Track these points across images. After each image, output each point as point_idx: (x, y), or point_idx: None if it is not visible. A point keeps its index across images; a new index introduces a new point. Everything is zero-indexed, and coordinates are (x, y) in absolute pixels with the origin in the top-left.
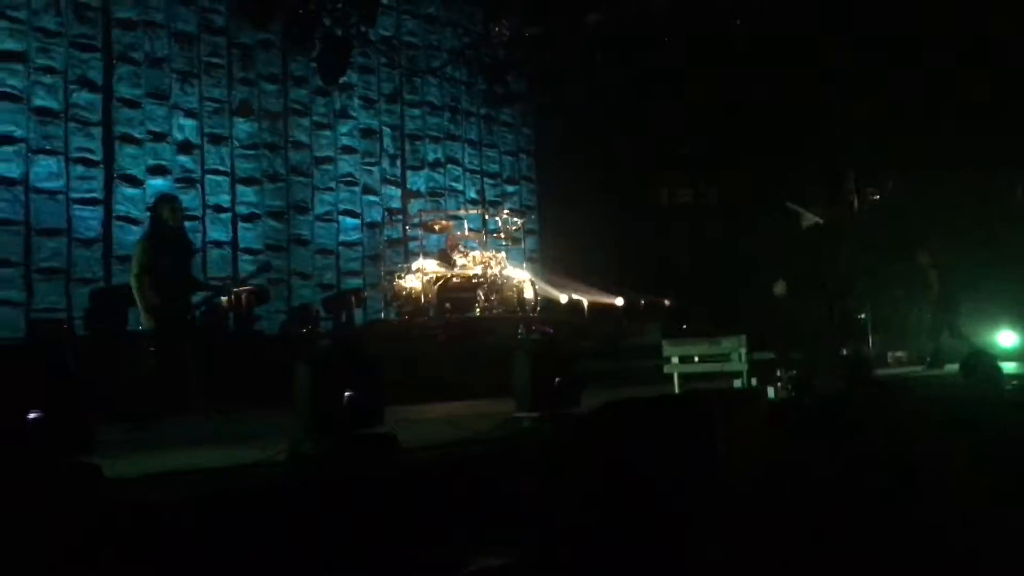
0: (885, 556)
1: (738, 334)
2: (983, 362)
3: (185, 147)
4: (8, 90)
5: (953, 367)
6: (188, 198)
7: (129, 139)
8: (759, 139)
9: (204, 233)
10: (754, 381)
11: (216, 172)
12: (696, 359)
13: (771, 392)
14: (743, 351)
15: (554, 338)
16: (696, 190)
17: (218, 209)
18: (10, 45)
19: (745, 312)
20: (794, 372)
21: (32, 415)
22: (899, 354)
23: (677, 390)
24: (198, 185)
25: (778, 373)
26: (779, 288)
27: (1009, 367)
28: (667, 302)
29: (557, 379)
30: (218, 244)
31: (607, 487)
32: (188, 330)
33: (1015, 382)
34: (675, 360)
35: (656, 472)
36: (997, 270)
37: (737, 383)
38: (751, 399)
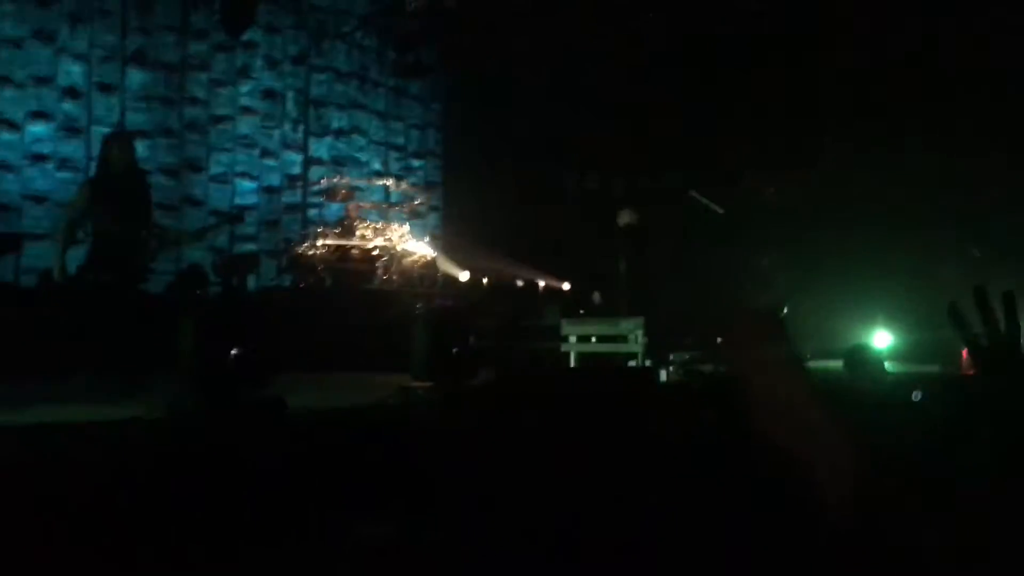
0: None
1: (635, 317)
2: (865, 356)
3: (71, 93)
4: None
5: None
6: (71, 148)
7: (7, 81)
8: (666, 129)
9: None
10: (648, 363)
11: (104, 123)
12: (593, 339)
13: (663, 374)
14: (639, 333)
15: (453, 310)
16: (604, 177)
17: None
18: None
19: (644, 298)
20: (686, 356)
21: None
22: None
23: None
24: (83, 134)
25: (671, 356)
26: (625, 217)
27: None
28: (566, 286)
29: (455, 350)
30: None
31: (495, 459)
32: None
33: (894, 376)
34: (572, 339)
35: (547, 444)
36: (875, 272)
37: (632, 364)
38: (642, 378)
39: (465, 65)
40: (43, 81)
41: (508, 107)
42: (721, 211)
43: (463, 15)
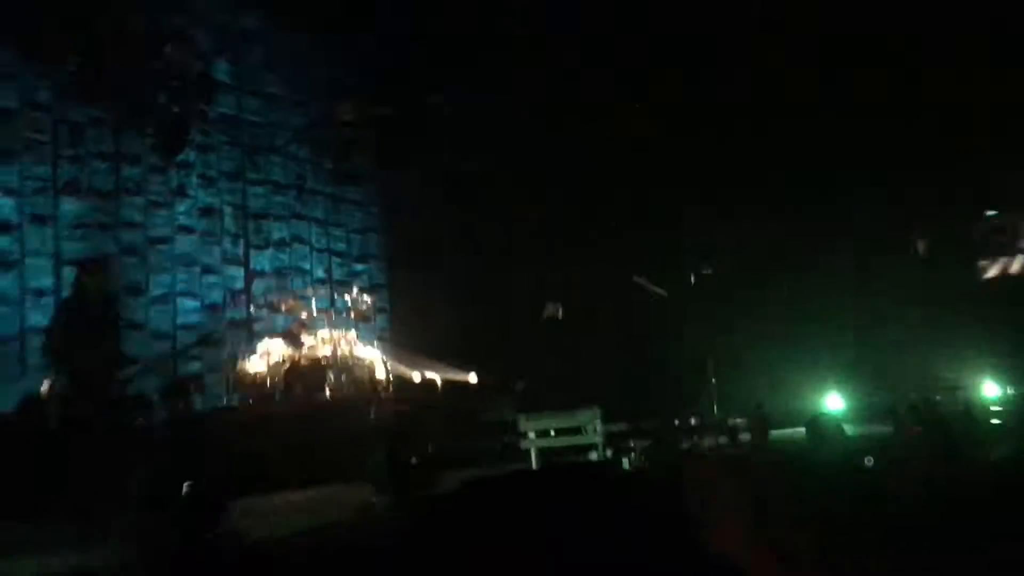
0: None
1: (592, 407)
2: (824, 424)
3: (3, 227)
4: None
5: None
6: (6, 282)
7: None
8: (600, 217)
9: (23, 319)
10: (609, 453)
11: (38, 253)
12: (552, 432)
13: (625, 463)
14: (598, 423)
15: (408, 417)
16: (542, 269)
17: (40, 293)
18: None
19: (596, 386)
20: (647, 443)
21: None
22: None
23: (534, 465)
24: (16, 268)
25: (631, 444)
26: (550, 310)
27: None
28: (519, 383)
29: (414, 459)
30: (39, 330)
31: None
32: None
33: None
34: (531, 435)
35: (518, 551)
36: (822, 339)
37: (593, 455)
38: (606, 471)
39: (399, 167)
40: None
41: (446, 204)
42: (664, 294)
43: (394, 120)
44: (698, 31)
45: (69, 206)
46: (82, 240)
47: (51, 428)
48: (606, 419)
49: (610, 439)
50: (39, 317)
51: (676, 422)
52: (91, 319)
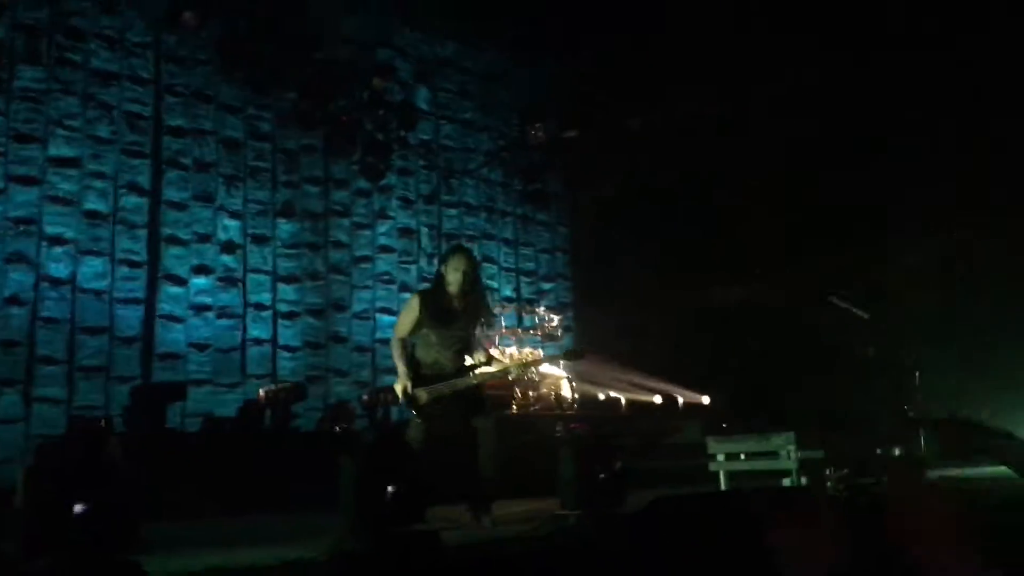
0: None
1: (786, 431)
2: None
3: (228, 247)
4: (61, 194)
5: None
6: (229, 296)
7: (175, 240)
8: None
9: (244, 331)
10: (803, 480)
11: (258, 271)
12: (743, 456)
13: (821, 492)
14: (792, 448)
15: (597, 433)
16: (736, 289)
17: (259, 307)
18: (65, 151)
19: (790, 409)
20: (845, 471)
21: (78, 508)
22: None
23: (723, 488)
24: (240, 284)
25: (828, 472)
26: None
27: None
28: (706, 400)
29: (601, 475)
30: (258, 341)
31: None
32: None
33: None
34: (720, 457)
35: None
36: None
37: (786, 481)
38: (801, 498)
39: (588, 188)
40: (204, 238)
41: (634, 224)
42: (866, 316)
43: (583, 142)
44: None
45: (285, 227)
46: (296, 258)
47: (266, 430)
48: (800, 444)
49: (804, 465)
50: (258, 330)
51: (878, 451)
52: (449, 309)
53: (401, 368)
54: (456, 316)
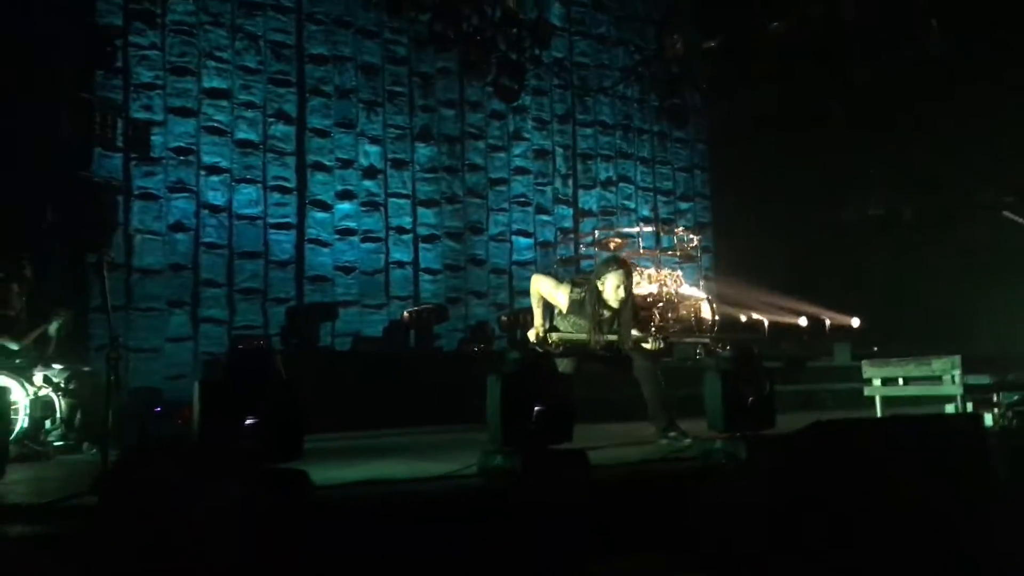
0: None
1: (951, 355)
2: None
3: (370, 172)
4: (215, 124)
5: None
6: (372, 220)
7: (320, 167)
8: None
9: (387, 254)
10: (970, 406)
11: (398, 195)
12: (901, 381)
13: (989, 419)
14: (956, 373)
15: (744, 355)
16: (887, 203)
17: (400, 231)
18: (216, 83)
19: (948, 328)
20: (1016, 397)
21: (249, 420)
22: None
23: (879, 414)
24: (382, 208)
25: (996, 399)
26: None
27: None
28: (855, 322)
29: (751, 398)
30: (400, 264)
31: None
32: None
33: None
34: (876, 382)
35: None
36: None
37: (950, 408)
38: (966, 426)
39: (728, 102)
40: (347, 163)
41: (774, 141)
42: None
43: (723, 52)
44: None
45: (423, 151)
46: (434, 183)
47: (411, 350)
48: (964, 368)
49: (970, 391)
50: (400, 253)
51: None
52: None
53: (537, 315)
54: (604, 317)
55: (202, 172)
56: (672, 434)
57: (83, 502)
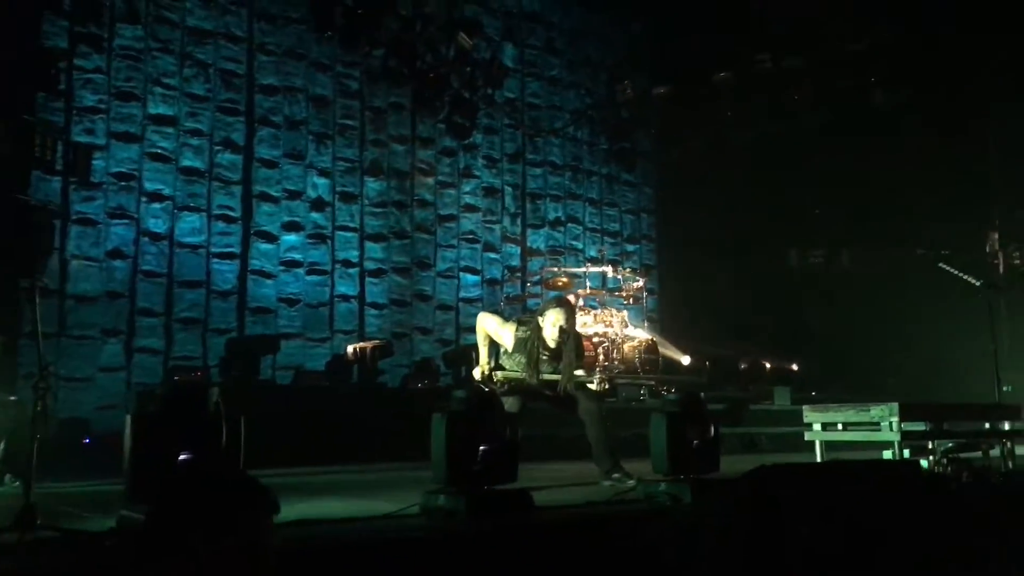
0: None
1: (887, 402)
2: None
3: (318, 204)
4: (160, 151)
5: None
6: (319, 253)
7: (266, 197)
8: (896, 200)
9: (332, 287)
10: (907, 453)
11: (346, 228)
12: (840, 427)
13: (924, 464)
14: (895, 420)
15: (695, 397)
16: (827, 252)
17: (347, 264)
18: (163, 109)
19: (884, 378)
20: (950, 445)
21: (182, 456)
22: None
23: (819, 459)
24: (328, 241)
25: (930, 445)
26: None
27: None
28: (794, 366)
29: (696, 441)
30: (345, 298)
31: (758, 560)
32: None
33: None
34: (817, 427)
35: (818, 548)
36: None
37: (887, 454)
38: (909, 473)
39: (676, 147)
40: (294, 195)
41: (719, 186)
42: (978, 283)
43: (673, 101)
44: None
45: (372, 185)
46: (383, 217)
47: (354, 385)
48: (903, 415)
49: (906, 437)
50: (346, 287)
51: (987, 424)
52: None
53: (483, 353)
54: (543, 357)
55: (143, 199)
56: (616, 475)
57: (3, 539)
